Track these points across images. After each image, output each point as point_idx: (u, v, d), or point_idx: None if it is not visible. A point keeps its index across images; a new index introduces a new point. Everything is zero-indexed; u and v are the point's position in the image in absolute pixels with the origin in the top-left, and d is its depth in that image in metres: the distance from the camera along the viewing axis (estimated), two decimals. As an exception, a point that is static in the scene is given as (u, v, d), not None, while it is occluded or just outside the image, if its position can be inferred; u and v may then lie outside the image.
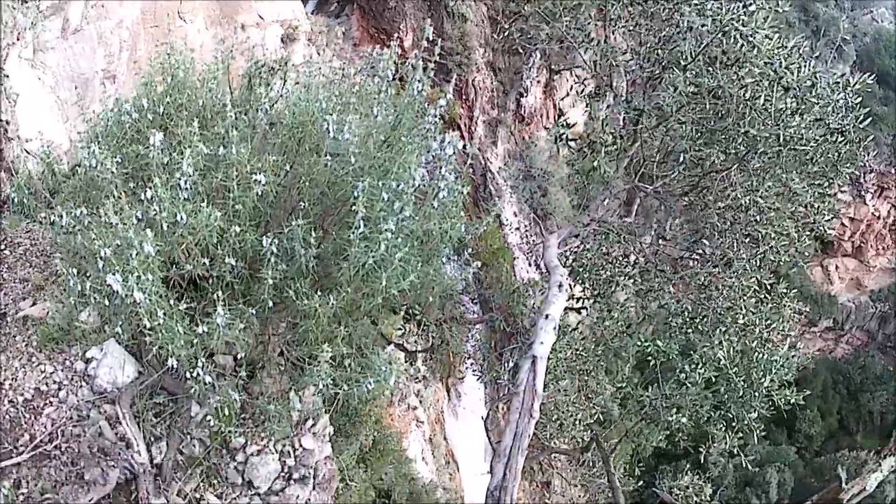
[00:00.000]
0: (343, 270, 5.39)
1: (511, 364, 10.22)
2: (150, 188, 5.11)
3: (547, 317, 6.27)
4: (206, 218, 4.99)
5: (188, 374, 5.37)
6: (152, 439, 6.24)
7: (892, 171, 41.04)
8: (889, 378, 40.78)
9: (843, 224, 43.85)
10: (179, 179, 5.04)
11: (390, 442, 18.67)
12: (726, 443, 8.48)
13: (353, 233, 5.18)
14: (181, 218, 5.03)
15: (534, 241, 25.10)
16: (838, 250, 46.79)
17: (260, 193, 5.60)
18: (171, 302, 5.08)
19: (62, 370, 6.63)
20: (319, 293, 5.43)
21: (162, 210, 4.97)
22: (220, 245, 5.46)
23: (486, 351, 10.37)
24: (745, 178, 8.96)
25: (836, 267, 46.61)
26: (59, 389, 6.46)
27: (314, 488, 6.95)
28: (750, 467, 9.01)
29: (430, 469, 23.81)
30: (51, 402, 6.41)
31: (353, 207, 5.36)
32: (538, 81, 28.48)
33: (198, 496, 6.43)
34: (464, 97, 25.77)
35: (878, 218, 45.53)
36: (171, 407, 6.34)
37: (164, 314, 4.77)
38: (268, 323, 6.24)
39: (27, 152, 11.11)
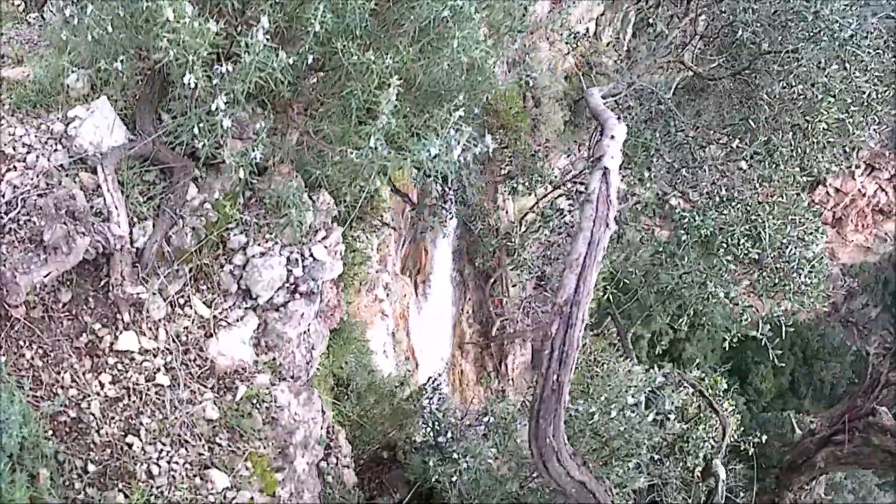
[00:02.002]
0: (405, 28, 4.16)
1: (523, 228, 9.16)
2: None
3: (612, 137, 5.19)
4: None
5: (205, 112, 4.11)
6: (136, 219, 5.02)
7: (887, 153, 39.83)
8: (845, 352, 40.52)
9: (827, 193, 43.09)
10: None
11: (355, 331, 18.17)
12: (758, 331, 7.65)
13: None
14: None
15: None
16: (818, 217, 45.96)
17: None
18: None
19: (35, 133, 5.32)
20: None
21: None
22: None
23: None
24: (813, 55, 7.90)
25: (814, 233, 45.82)
26: (28, 153, 5.14)
27: (316, 315, 5.83)
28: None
29: (391, 363, 23.19)
30: (15, 167, 5.09)
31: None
32: (547, -10, 26.81)
33: (182, 300, 5.25)
34: None
35: (864, 195, 44.72)
36: (164, 185, 5.10)
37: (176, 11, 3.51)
38: (293, 101, 5.01)
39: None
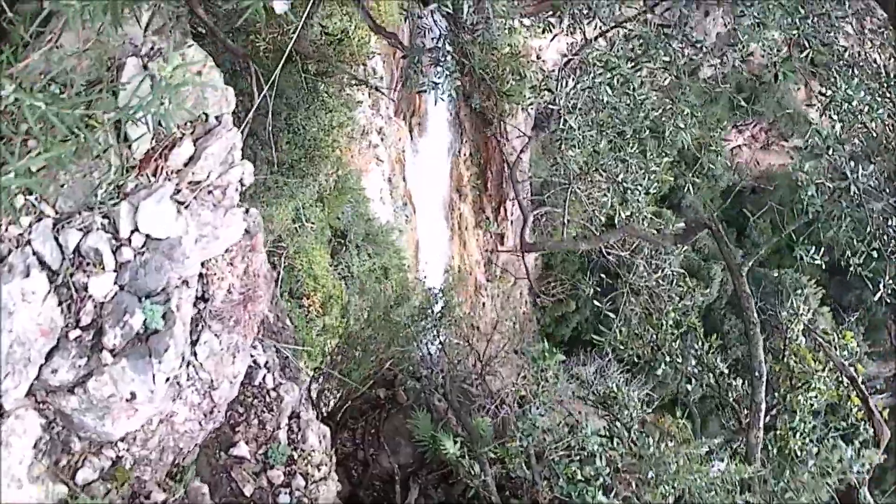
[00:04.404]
0: None
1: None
2: None
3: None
4: None
5: None
6: None
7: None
8: (844, 217, 36.52)
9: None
10: None
11: (349, 180, 15.48)
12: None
13: None
14: None
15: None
16: (827, 76, 40.51)
17: None
18: None
19: None
20: None
21: None
22: None
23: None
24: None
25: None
26: None
27: (206, 325, 2.35)
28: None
29: (388, 210, 20.17)
30: None
31: None
32: None
33: None
34: None
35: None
36: None
37: None
38: None
39: None
